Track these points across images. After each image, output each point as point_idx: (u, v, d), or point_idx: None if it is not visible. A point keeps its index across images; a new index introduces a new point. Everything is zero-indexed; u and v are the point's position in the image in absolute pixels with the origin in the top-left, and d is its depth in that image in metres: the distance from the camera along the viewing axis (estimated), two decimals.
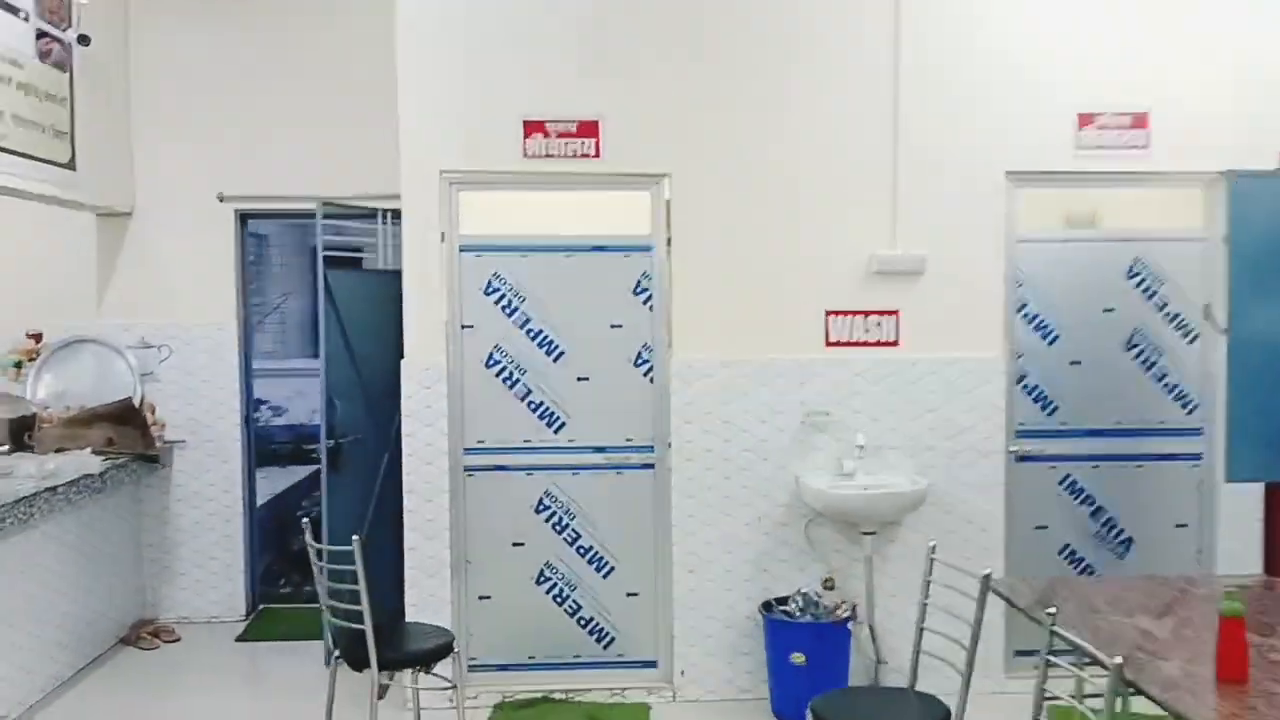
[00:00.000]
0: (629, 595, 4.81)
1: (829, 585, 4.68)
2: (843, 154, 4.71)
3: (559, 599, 4.80)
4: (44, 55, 4.87)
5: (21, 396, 5.64)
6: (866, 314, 4.72)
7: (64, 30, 5.02)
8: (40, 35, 4.83)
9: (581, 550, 4.79)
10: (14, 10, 4.59)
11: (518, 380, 4.73)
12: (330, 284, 5.09)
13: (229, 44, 5.84)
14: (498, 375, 4.72)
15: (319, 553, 3.87)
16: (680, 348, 4.71)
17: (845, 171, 4.71)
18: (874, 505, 4.55)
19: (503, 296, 4.71)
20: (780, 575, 4.74)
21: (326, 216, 5.15)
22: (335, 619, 3.86)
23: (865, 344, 4.73)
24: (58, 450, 5.33)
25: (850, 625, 4.55)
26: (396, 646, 3.98)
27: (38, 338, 5.84)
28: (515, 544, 4.78)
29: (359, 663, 3.84)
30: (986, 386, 4.75)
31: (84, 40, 5.13)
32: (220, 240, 5.91)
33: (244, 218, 6.00)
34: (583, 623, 4.81)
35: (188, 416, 5.94)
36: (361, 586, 3.73)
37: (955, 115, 4.71)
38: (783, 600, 4.64)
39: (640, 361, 4.75)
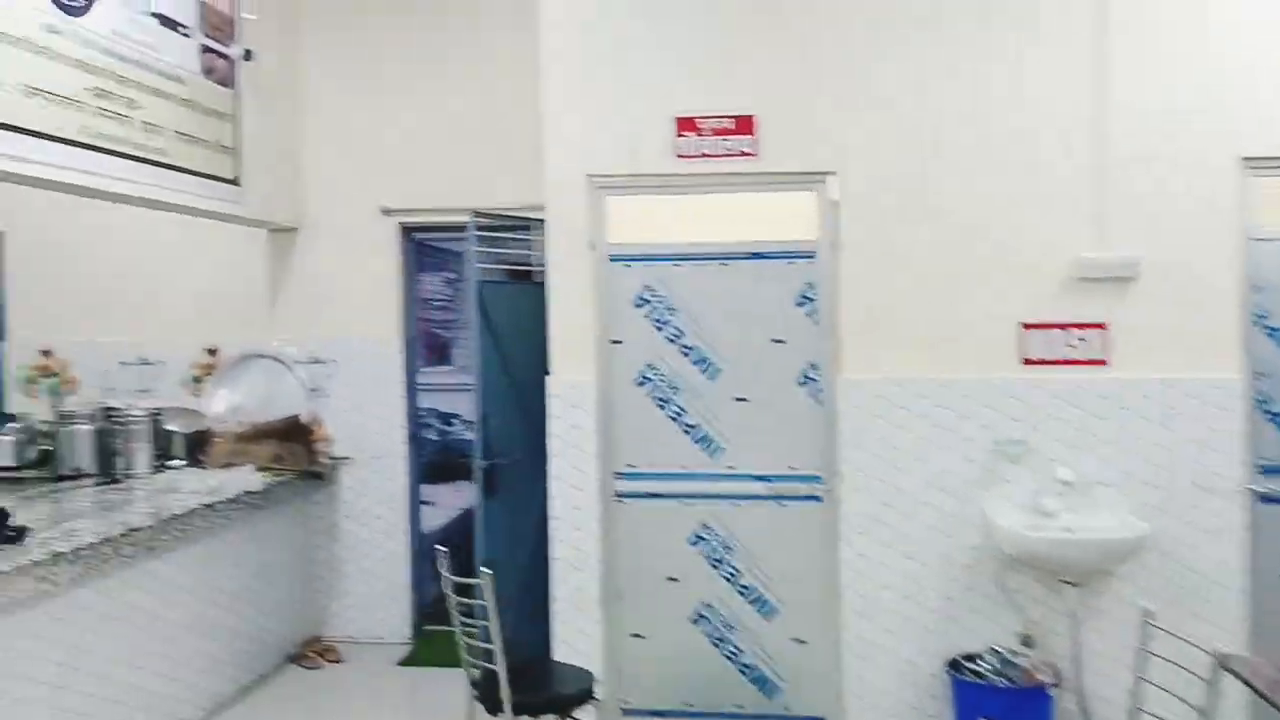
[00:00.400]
0: (795, 642, 4.34)
1: (1027, 643, 4.05)
2: (1038, 140, 4.10)
3: (717, 641, 4.38)
4: (208, 71, 4.90)
5: (198, 411, 5.75)
6: (1068, 327, 4.08)
7: (229, 46, 5.05)
8: (205, 51, 4.86)
9: (742, 589, 4.35)
10: (177, 26, 4.62)
11: (670, 400, 4.35)
12: (485, 298, 4.89)
13: (388, 58, 5.77)
14: (649, 394, 4.37)
15: (454, 585, 3.62)
16: (850, 365, 4.21)
17: (1042, 161, 4.10)
18: (1081, 552, 3.89)
19: (654, 309, 4.35)
20: (969, 627, 4.15)
21: (480, 229, 4.95)
22: (470, 656, 3.62)
23: (1068, 362, 4.08)
24: (226, 466, 5.38)
25: (1052, 691, 3.91)
26: (533, 689, 3.67)
27: (214, 353, 5.95)
28: (670, 579, 4.40)
29: (494, 705, 3.57)
30: (1219, 413, 4.01)
31: (248, 55, 5.15)
32: (385, 254, 5.85)
33: (408, 231, 5.92)
34: (744, 670, 4.37)
35: (354, 433, 5.89)
36: (492, 625, 3.46)
37: (1176, 90, 4.02)
38: (972, 657, 4.06)
39: (804, 380, 4.28)
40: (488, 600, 3.44)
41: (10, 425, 5.83)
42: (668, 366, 4.35)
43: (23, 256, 6.16)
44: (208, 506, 4.57)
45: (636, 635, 4.42)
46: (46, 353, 6.10)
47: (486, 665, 3.52)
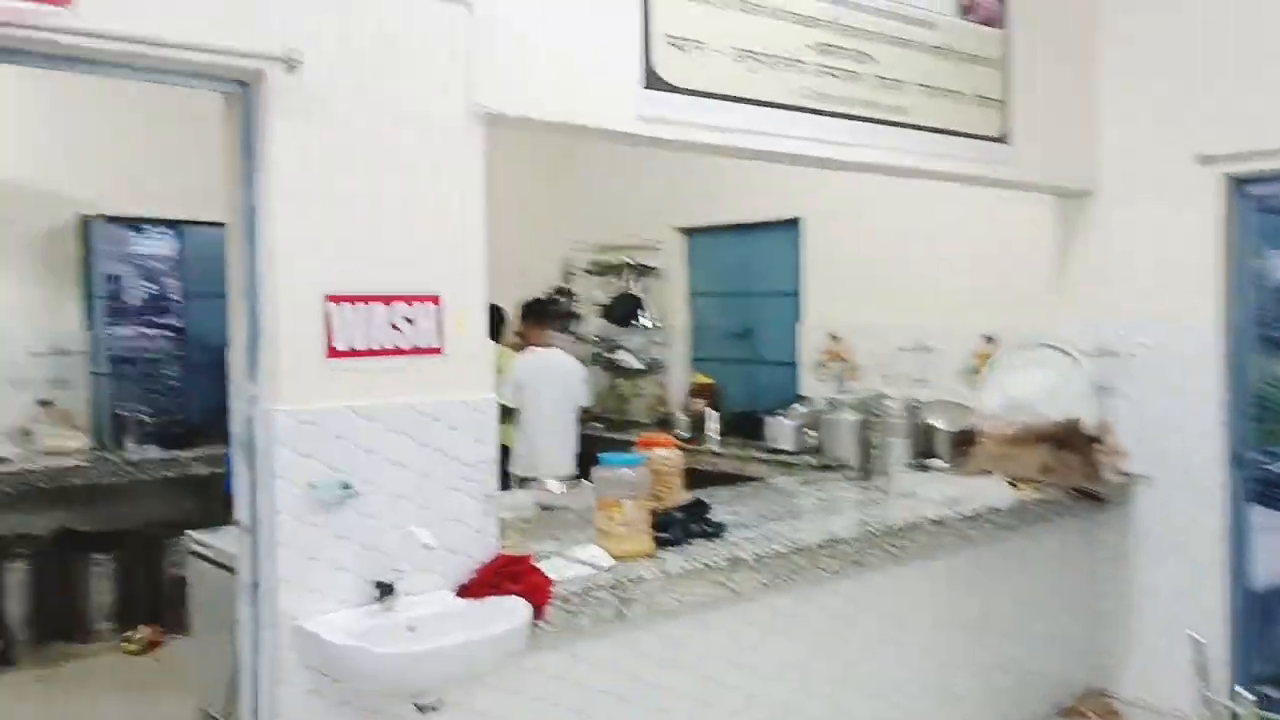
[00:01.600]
0: None
1: None
2: None
3: None
4: (967, 10, 4.18)
5: (968, 406, 5.09)
6: None
7: None
8: None
9: None
10: None
11: None
12: None
13: None
14: None
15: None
16: None
17: None
18: None
19: None
20: None
21: None
22: None
23: None
24: (984, 472, 4.63)
25: None
26: None
27: (993, 340, 5.23)
28: None
29: None
30: None
31: None
32: (1201, 215, 4.47)
33: (1238, 183, 4.44)
34: None
35: (1157, 445, 4.64)
36: None
37: None
38: None
39: None
40: None
41: (796, 407, 5.88)
42: None
43: (819, 240, 6.17)
44: (935, 522, 3.88)
45: None
46: (835, 338, 6.04)
47: None
